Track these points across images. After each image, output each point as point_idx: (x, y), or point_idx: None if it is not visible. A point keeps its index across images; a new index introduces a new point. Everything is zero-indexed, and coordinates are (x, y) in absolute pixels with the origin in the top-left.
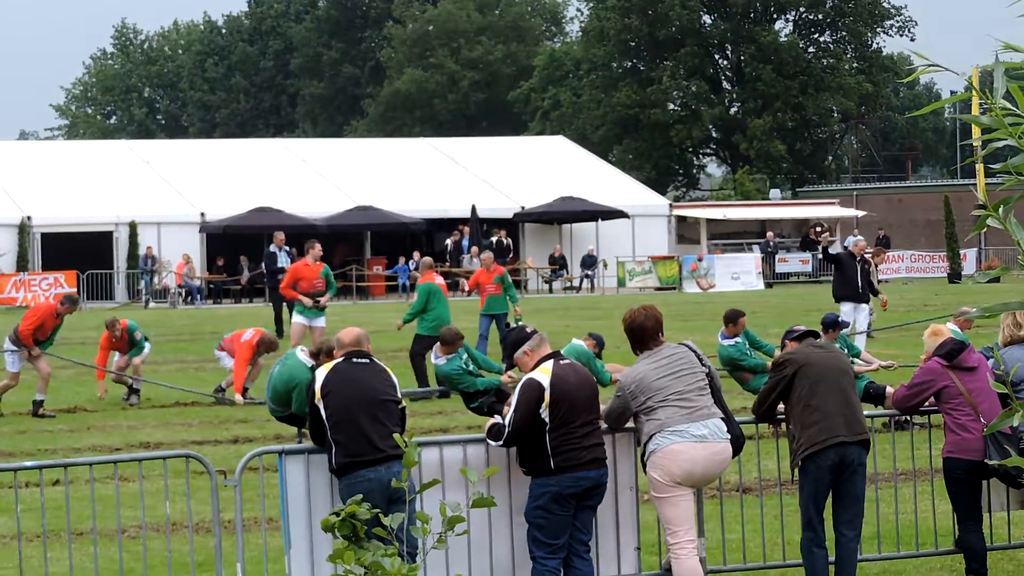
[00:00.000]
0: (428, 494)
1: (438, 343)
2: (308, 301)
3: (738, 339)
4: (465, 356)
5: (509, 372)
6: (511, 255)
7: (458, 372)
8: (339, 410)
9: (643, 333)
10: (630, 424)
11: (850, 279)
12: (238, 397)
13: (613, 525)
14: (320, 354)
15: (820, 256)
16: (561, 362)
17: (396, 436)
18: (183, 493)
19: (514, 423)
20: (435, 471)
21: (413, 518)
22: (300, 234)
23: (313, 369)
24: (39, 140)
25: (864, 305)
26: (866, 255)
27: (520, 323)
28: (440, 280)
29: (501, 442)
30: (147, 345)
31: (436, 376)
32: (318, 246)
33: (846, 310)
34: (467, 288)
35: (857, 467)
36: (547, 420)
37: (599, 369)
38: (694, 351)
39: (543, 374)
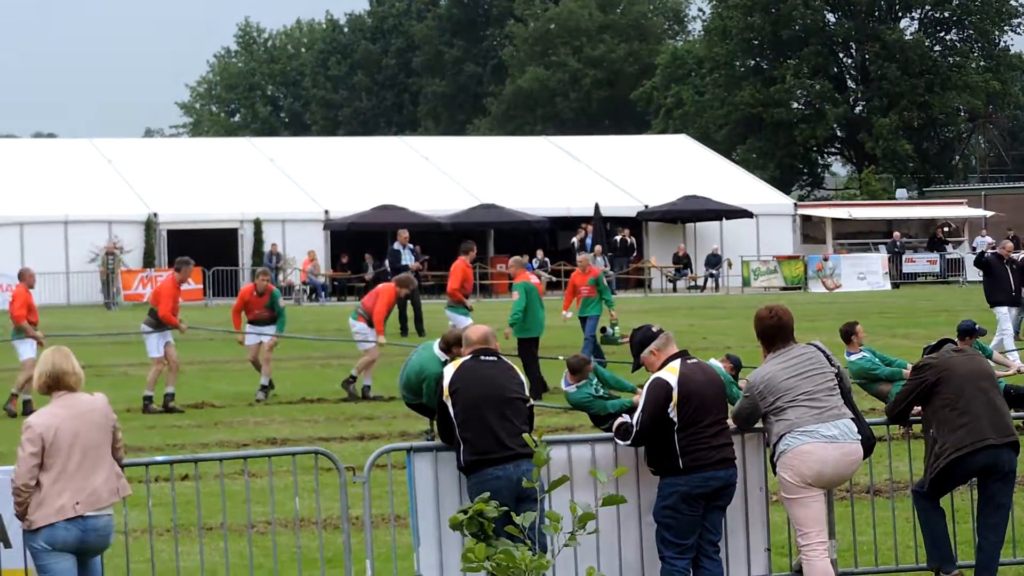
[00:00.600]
0: (556, 493)
1: (567, 371)
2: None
3: (864, 352)
4: (596, 381)
5: (639, 393)
6: (634, 254)
7: (588, 399)
8: (467, 408)
9: (773, 333)
10: (759, 424)
11: (1002, 282)
12: (381, 338)
13: (743, 526)
14: (452, 346)
15: (974, 264)
16: (688, 361)
17: (526, 436)
18: (312, 489)
19: (641, 422)
20: (563, 470)
21: (543, 516)
22: (424, 232)
23: (445, 363)
24: (164, 138)
25: (1013, 309)
26: (1013, 256)
27: (616, 327)
28: (535, 279)
29: (629, 441)
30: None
31: (567, 402)
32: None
33: (1002, 313)
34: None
35: (1007, 473)
36: (675, 420)
37: (735, 394)
38: (823, 351)
39: (670, 373)
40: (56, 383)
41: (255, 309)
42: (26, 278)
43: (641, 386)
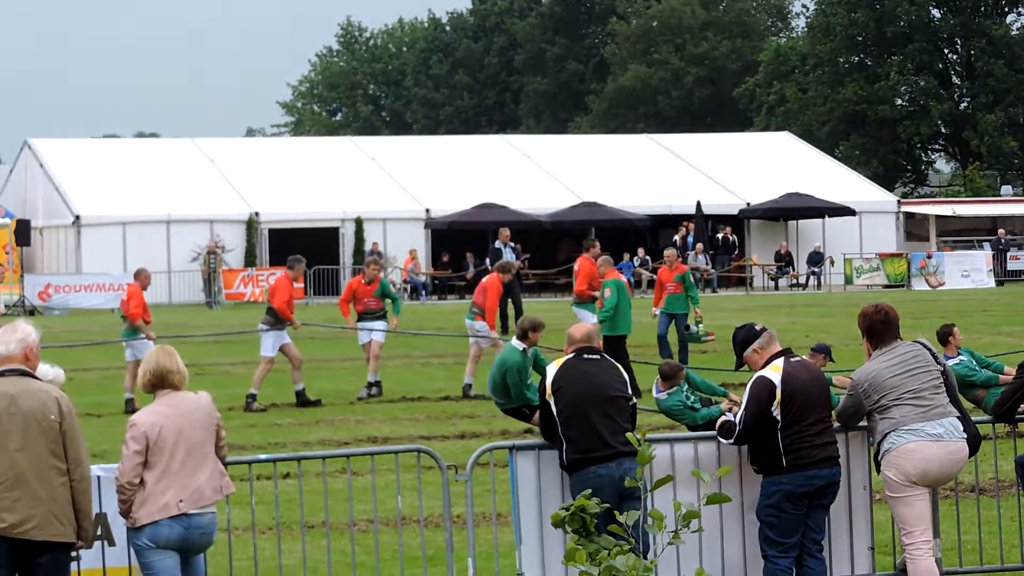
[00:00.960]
0: (658, 492)
1: (659, 377)
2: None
3: (962, 356)
4: (687, 388)
5: (729, 398)
6: (736, 252)
7: (679, 407)
8: (570, 406)
9: (880, 330)
10: (863, 423)
11: None
12: (493, 333)
13: (846, 524)
14: (527, 332)
15: None
16: (792, 359)
17: (629, 435)
18: (414, 488)
19: (744, 421)
20: (666, 468)
21: (646, 515)
22: (525, 230)
23: (524, 352)
24: (266, 137)
25: None
26: None
27: (700, 325)
28: (623, 277)
29: (732, 440)
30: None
31: (658, 408)
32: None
33: None
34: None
35: None
36: (778, 418)
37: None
38: (929, 349)
39: (774, 372)
40: (160, 382)
41: (364, 298)
42: (141, 278)
43: (744, 384)
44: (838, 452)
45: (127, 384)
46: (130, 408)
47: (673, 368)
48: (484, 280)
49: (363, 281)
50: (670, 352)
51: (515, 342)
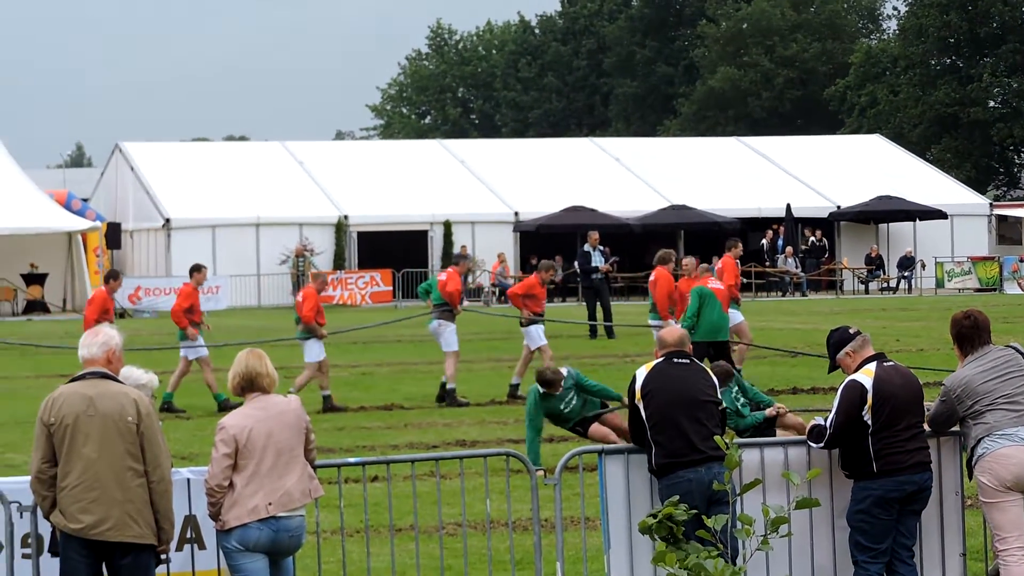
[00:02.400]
0: (748, 496)
1: None
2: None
3: None
4: (736, 390)
5: (778, 406)
6: (826, 255)
7: (730, 407)
8: (659, 410)
9: (969, 336)
10: (955, 428)
11: None
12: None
13: (938, 530)
14: (542, 383)
15: None
16: (885, 363)
17: (718, 438)
18: (502, 491)
19: (835, 425)
20: (755, 473)
21: (735, 520)
22: (614, 233)
23: (544, 395)
24: (355, 140)
25: None
26: None
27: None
28: (714, 284)
29: (822, 444)
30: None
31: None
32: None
33: None
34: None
35: None
36: (869, 423)
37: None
38: (1021, 353)
39: (866, 376)
40: (250, 384)
41: (542, 299)
42: (318, 282)
43: (833, 371)
44: (930, 457)
45: (301, 383)
46: (224, 406)
47: (724, 369)
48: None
49: (540, 283)
50: None
51: (537, 385)
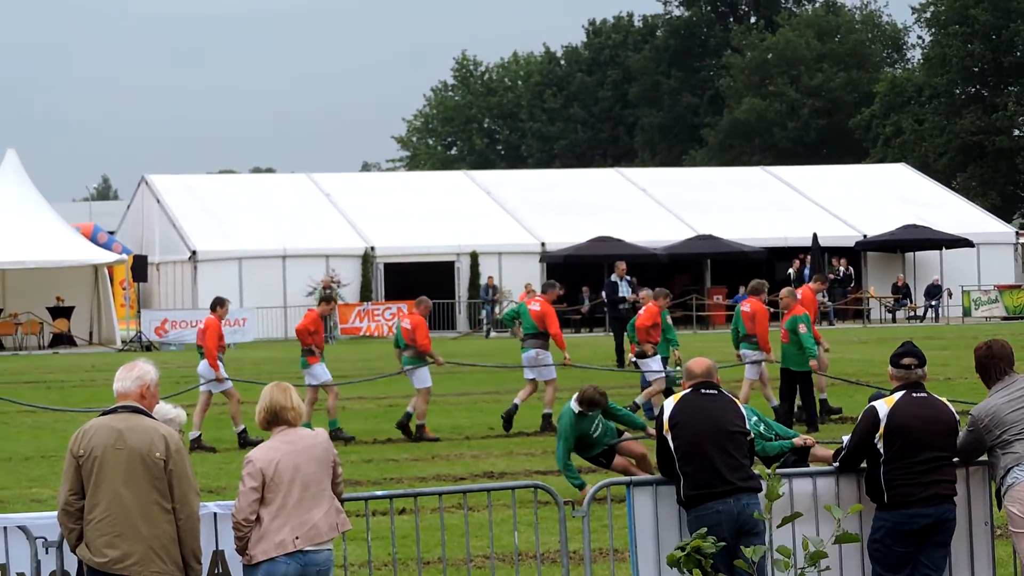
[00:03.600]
0: (778, 529)
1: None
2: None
3: None
4: (755, 419)
5: (804, 437)
6: (852, 284)
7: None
8: (687, 441)
9: (988, 367)
10: (983, 458)
11: None
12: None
13: (967, 561)
14: (584, 403)
15: None
16: (914, 394)
17: (760, 469)
18: (530, 523)
19: (847, 446)
20: (783, 504)
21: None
22: (640, 263)
23: (579, 414)
24: (381, 171)
25: None
26: None
27: (678, 368)
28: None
29: (836, 462)
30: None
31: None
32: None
33: None
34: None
35: None
36: (882, 451)
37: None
38: None
39: (885, 404)
40: (275, 418)
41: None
42: (422, 308)
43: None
44: (950, 490)
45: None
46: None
47: (593, 396)
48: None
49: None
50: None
51: (573, 404)
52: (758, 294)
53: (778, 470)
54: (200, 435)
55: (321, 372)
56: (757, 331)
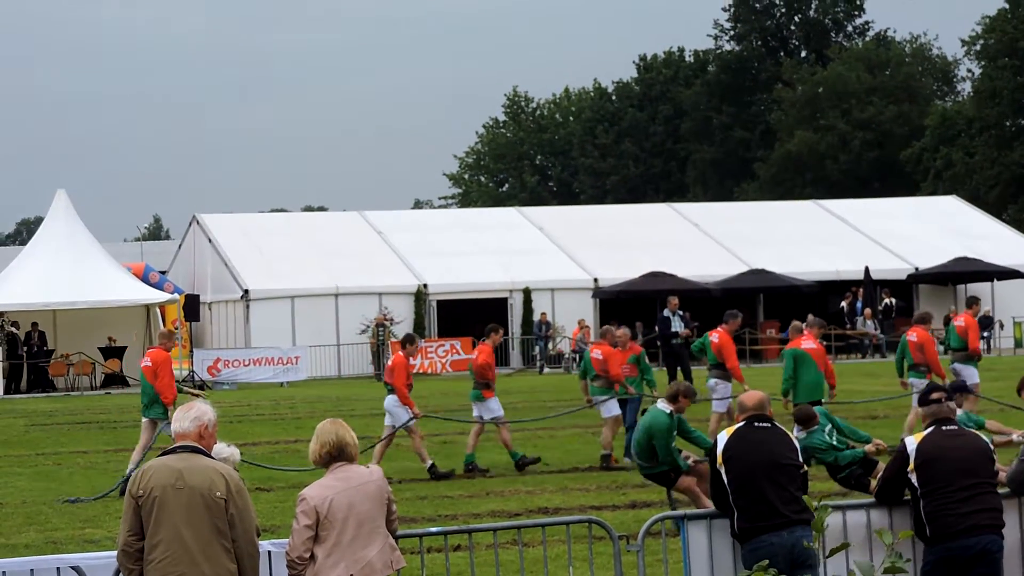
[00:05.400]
0: (831, 560)
1: (795, 424)
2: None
3: None
4: (829, 427)
5: (876, 442)
6: (893, 315)
7: (823, 445)
8: (741, 474)
9: None
10: None
11: None
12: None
13: None
14: (678, 396)
15: None
16: (944, 428)
17: (806, 498)
18: (585, 558)
19: (881, 479)
20: (838, 535)
21: None
22: (693, 298)
23: (671, 415)
24: (433, 209)
25: None
26: None
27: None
28: (808, 344)
29: (874, 495)
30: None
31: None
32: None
33: None
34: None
35: None
36: (917, 484)
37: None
38: None
39: (913, 439)
40: (340, 454)
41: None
42: (609, 336)
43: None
44: (994, 520)
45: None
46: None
47: (807, 412)
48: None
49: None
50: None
51: (662, 404)
52: (925, 323)
53: (829, 503)
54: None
55: (496, 406)
56: (928, 359)
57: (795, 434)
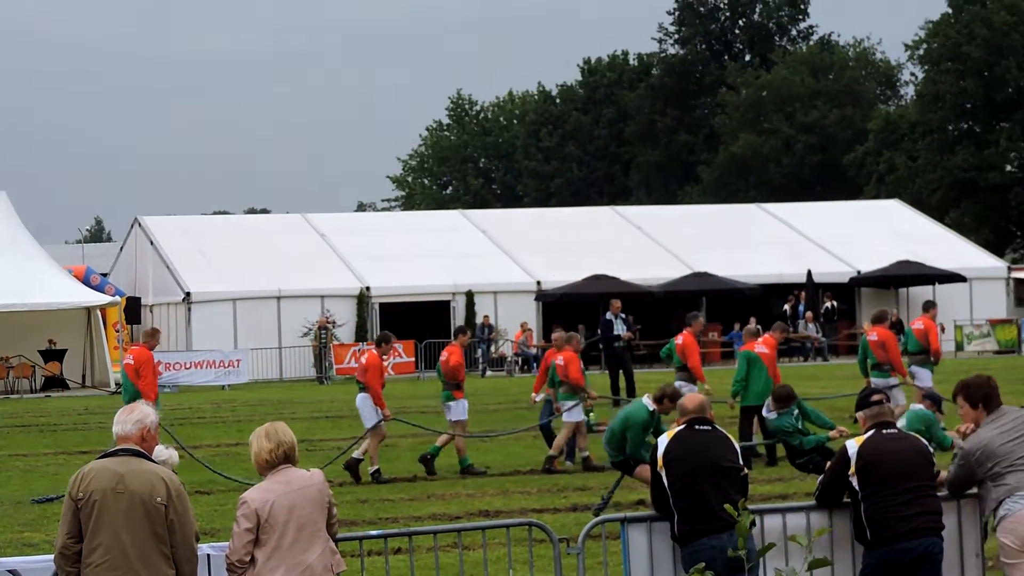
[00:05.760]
0: (771, 562)
1: (770, 398)
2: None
3: None
4: (796, 412)
5: (840, 428)
6: (835, 319)
7: (790, 428)
8: (681, 477)
9: (981, 399)
10: (974, 489)
11: None
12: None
13: None
14: (664, 398)
15: None
16: (884, 431)
17: (727, 506)
18: (525, 561)
19: (821, 482)
20: (778, 538)
21: None
22: (636, 301)
23: (653, 413)
24: (376, 211)
25: None
26: None
27: (591, 413)
28: (762, 348)
29: (816, 499)
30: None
31: (766, 428)
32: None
33: None
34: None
35: None
36: (857, 487)
37: (940, 435)
38: None
39: (855, 442)
40: (286, 457)
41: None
42: (574, 343)
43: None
44: (934, 523)
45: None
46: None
47: (787, 391)
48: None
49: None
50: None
51: (647, 400)
52: (883, 322)
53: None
54: (378, 468)
55: (462, 410)
56: (891, 358)
57: (766, 412)
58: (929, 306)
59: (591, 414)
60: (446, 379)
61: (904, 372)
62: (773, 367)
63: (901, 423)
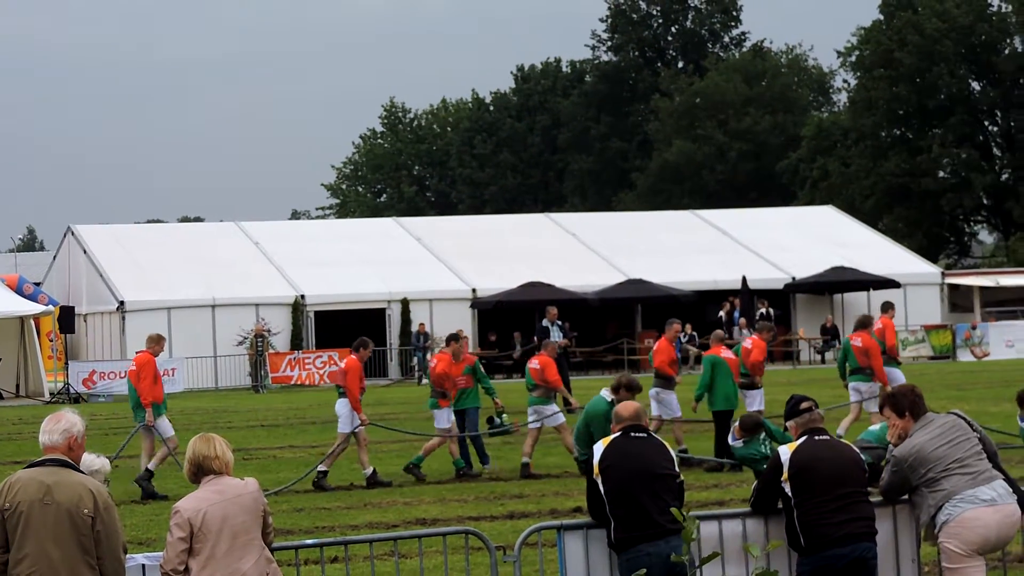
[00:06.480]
0: (708, 570)
1: (737, 426)
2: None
3: None
4: (763, 438)
5: None
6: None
7: (756, 456)
8: (617, 484)
9: (908, 407)
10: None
11: None
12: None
13: None
14: (620, 388)
15: None
16: (816, 438)
17: (674, 510)
18: (462, 569)
19: (755, 490)
20: (714, 545)
21: None
22: (572, 308)
23: (612, 403)
24: (310, 219)
25: None
26: None
27: (503, 416)
28: (727, 353)
29: (751, 507)
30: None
31: (734, 456)
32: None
33: None
34: (431, 382)
35: None
36: (790, 494)
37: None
38: (963, 418)
39: (787, 449)
40: (199, 469)
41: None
42: (550, 349)
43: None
44: (866, 528)
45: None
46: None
47: (754, 420)
48: (540, 359)
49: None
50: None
51: (605, 393)
52: (867, 327)
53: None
54: (374, 470)
55: (446, 419)
56: (872, 365)
57: (732, 441)
58: (887, 307)
59: (503, 415)
60: (434, 386)
61: (886, 380)
62: (737, 372)
63: (875, 429)
